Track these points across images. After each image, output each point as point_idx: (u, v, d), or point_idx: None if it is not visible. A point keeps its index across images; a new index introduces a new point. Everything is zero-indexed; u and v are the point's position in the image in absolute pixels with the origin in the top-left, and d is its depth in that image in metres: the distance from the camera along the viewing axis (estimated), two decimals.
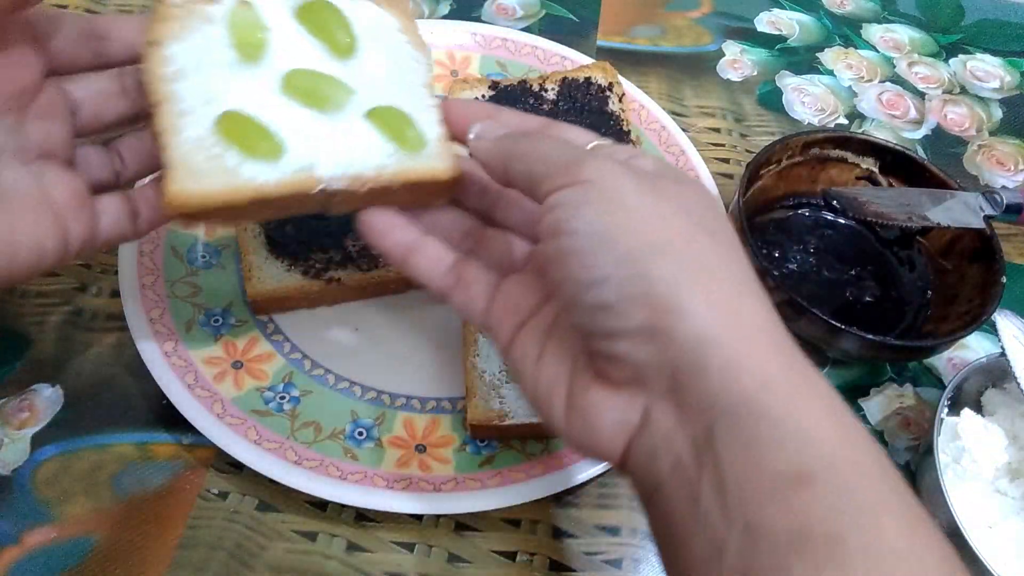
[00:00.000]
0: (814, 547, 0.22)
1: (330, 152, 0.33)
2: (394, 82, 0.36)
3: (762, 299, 0.28)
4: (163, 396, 0.43)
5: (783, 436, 0.24)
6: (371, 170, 0.34)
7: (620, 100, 0.57)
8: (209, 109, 0.33)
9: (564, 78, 0.58)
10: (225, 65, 0.34)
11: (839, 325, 0.46)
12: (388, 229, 0.35)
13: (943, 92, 0.73)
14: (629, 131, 0.56)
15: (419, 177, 0.34)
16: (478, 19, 0.71)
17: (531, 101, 0.56)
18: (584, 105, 0.57)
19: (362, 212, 0.35)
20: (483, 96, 0.57)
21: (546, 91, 0.57)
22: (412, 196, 0.36)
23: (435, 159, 0.35)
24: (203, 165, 0.32)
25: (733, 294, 0.26)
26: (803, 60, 0.74)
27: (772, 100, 0.70)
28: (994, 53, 0.78)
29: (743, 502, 0.24)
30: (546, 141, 0.32)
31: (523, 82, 0.58)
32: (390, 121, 0.35)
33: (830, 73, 0.73)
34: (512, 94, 0.56)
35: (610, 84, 0.58)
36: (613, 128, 0.56)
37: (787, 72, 0.72)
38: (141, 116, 0.38)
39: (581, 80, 0.58)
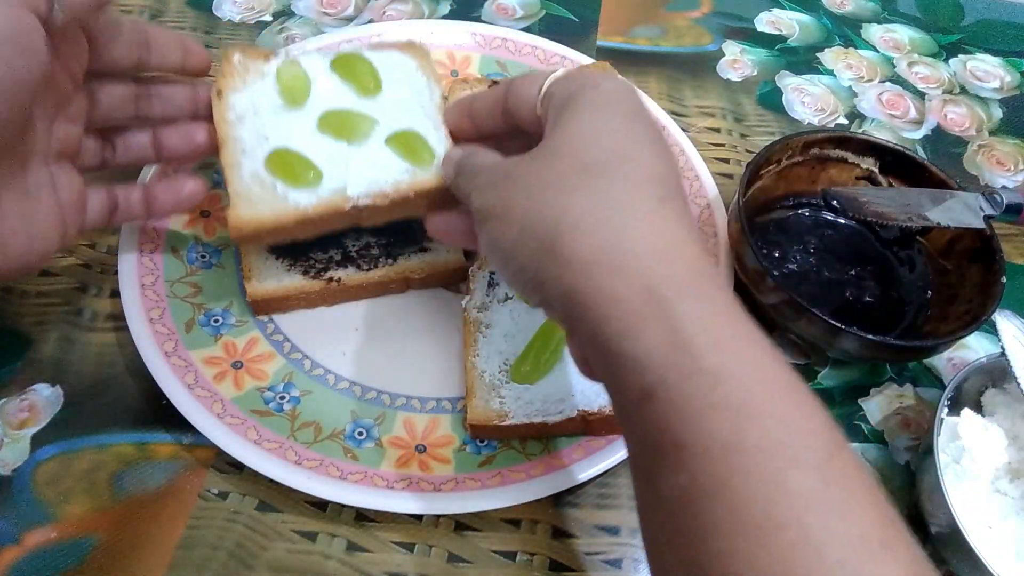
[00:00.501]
0: (665, 452, 0.27)
1: (357, 175, 0.41)
2: (411, 108, 0.44)
3: (640, 217, 0.29)
4: (163, 396, 0.43)
5: (628, 362, 0.28)
6: (390, 186, 0.41)
7: None
8: (262, 147, 0.41)
9: None
10: (275, 110, 0.42)
11: (839, 325, 0.46)
12: (449, 225, 0.41)
13: (943, 92, 0.73)
14: None
15: (429, 186, 0.41)
16: (478, 19, 0.71)
17: None
18: None
19: (427, 218, 0.41)
20: None
21: None
22: (429, 203, 0.41)
23: (439, 170, 0.41)
24: (258, 195, 0.40)
25: (593, 246, 0.29)
26: (803, 60, 0.74)
27: (772, 100, 0.70)
28: (994, 53, 0.78)
29: (622, 420, 0.30)
30: (465, 171, 0.37)
31: None
32: (406, 143, 0.42)
33: (830, 73, 0.73)
34: None
35: None
36: None
37: (787, 72, 0.72)
38: (141, 118, 0.43)
39: None
